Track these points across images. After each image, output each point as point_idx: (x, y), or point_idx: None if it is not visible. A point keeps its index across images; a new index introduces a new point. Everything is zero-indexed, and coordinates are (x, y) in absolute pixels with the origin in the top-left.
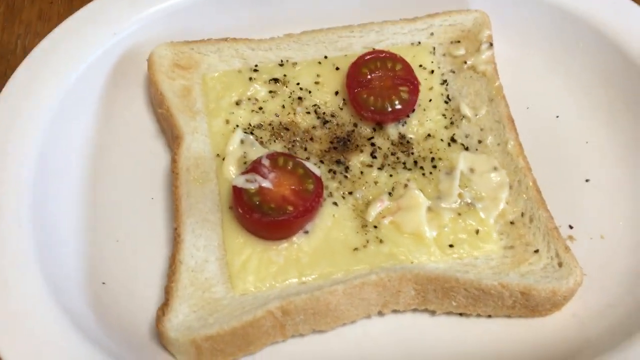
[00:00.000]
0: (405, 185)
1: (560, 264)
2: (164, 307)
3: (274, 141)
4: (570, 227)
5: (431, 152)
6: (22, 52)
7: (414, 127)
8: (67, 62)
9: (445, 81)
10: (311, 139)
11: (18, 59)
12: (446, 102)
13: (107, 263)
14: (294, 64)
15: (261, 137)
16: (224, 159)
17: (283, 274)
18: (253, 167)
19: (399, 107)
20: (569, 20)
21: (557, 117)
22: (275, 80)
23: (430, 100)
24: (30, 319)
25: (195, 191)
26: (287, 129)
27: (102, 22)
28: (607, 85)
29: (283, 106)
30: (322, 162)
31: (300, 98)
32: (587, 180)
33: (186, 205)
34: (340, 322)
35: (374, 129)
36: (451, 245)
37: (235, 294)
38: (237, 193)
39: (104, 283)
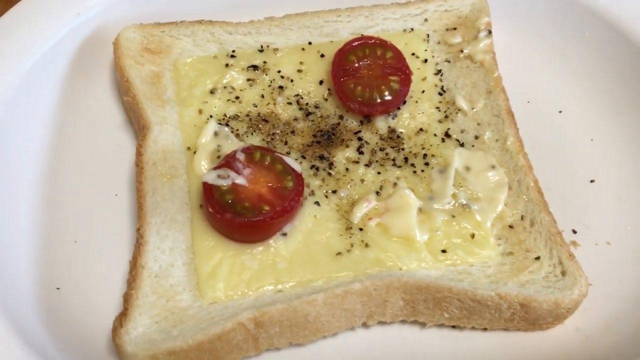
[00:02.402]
0: (395, 184)
1: (563, 273)
2: (122, 317)
3: (252, 134)
4: (574, 231)
5: (423, 148)
6: None
7: (405, 121)
8: (25, 44)
9: (439, 71)
10: (292, 132)
11: None
12: (440, 94)
13: (63, 266)
14: (275, 50)
15: (237, 130)
16: (195, 153)
17: (257, 281)
18: (226, 162)
19: (388, 98)
20: (574, 7)
21: (560, 112)
22: (254, 67)
23: (423, 91)
24: None
25: (162, 188)
26: (266, 121)
27: (65, 1)
28: (614, 79)
29: (262, 96)
30: (303, 157)
31: (281, 87)
32: (592, 181)
33: (151, 203)
34: (320, 334)
35: (361, 122)
36: (444, 251)
37: (203, 302)
38: (208, 190)
39: (58, 288)
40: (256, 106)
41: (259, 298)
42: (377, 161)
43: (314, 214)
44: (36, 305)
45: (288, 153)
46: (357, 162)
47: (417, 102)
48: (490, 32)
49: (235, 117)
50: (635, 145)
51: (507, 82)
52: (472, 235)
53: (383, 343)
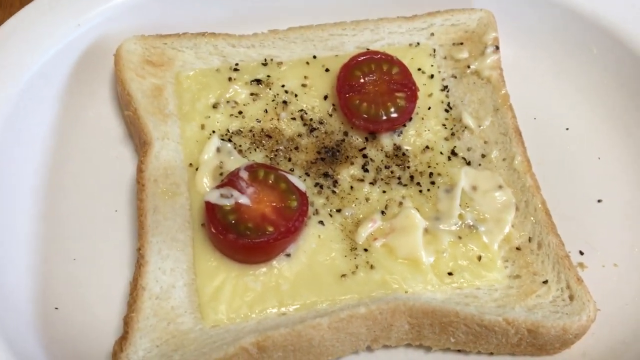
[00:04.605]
0: (400, 204)
1: (571, 297)
2: (122, 341)
3: (255, 150)
4: (581, 253)
5: (429, 167)
6: None
7: (411, 138)
8: (23, 56)
9: (446, 87)
10: (296, 148)
11: None
12: (447, 111)
13: (61, 285)
14: (279, 63)
15: (240, 145)
16: (197, 169)
17: (260, 303)
18: (229, 181)
19: (394, 115)
20: (582, 23)
21: (567, 129)
22: (258, 81)
23: (429, 108)
24: None
25: (164, 206)
26: (270, 137)
27: (65, 12)
28: (622, 96)
29: (266, 110)
30: (307, 174)
31: (285, 102)
32: (599, 201)
33: (152, 222)
34: (323, 359)
35: (367, 139)
36: (450, 273)
37: (205, 325)
38: (210, 210)
39: (56, 308)
40: (259, 121)
41: (261, 321)
42: (382, 179)
43: (318, 234)
44: (34, 325)
45: (292, 170)
46: (362, 180)
47: (423, 118)
48: (497, 47)
49: (238, 133)
50: None
51: (514, 98)
52: (479, 258)
53: None
